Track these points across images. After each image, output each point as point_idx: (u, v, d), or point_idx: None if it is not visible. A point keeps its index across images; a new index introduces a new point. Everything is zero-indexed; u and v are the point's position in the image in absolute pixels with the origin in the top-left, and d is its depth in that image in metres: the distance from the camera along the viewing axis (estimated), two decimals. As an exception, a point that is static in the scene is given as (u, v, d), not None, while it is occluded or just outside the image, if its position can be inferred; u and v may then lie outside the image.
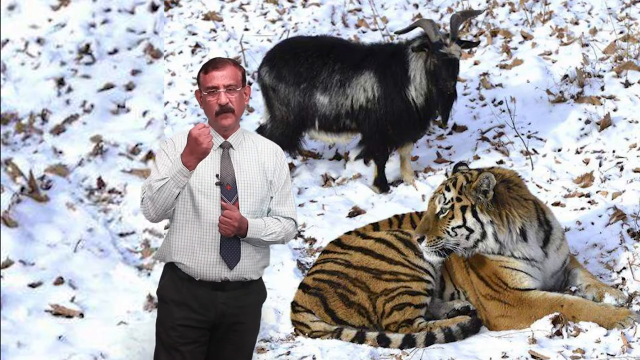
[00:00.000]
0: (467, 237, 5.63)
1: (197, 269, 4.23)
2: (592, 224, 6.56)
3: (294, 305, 5.92)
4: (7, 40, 9.41)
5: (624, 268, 6.01)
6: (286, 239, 4.39)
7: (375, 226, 6.21)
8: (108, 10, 9.99)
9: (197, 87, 4.36)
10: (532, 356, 5.23)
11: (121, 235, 7.00)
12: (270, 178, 4.33)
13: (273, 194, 4.35)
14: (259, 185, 4.29)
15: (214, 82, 4.24)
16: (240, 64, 9.71)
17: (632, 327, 5.32)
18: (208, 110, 4.27)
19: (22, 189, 7.18)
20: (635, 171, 7.04)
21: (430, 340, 5.51)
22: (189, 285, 4.24)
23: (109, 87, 8.95)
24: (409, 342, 5.52)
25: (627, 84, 8.01)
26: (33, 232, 6.82)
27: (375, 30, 10.07)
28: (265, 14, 10.64)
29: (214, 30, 10.41)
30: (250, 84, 9.40)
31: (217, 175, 4.24)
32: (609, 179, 7.04)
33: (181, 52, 9.93)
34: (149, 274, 6.54)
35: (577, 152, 7.53)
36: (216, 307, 4.24)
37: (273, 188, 4.34)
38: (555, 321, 5.43)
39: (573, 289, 5.80)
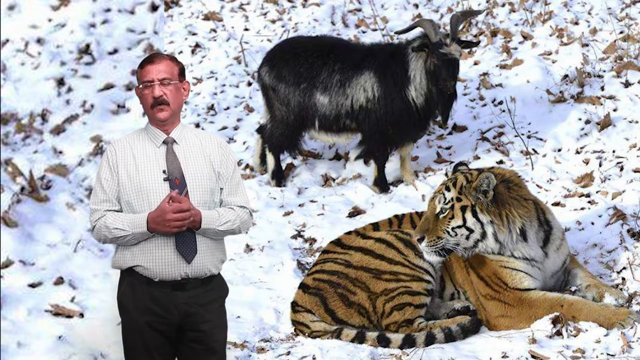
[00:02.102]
0: (467, 237, 5.63)
1: (155, 269, 4.21)
2: (592, 224, 6.56)
3: (294, 305, 5.92)
4: (7, 40, 9.41)
5: (624, 268, 6.01)
6: (242, 228, 4.36)
7: (375, 226, 6.20)
8: (108, 10, 10.00)
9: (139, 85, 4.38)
10: (532, 356, 5.23)
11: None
12: (218, 169, 4.34)
13: (223, 185, 4.35)
14: (206, 176, 4.29)
15: (148, 76, 4.26)
16: (240, 63, 9.73)
17: (632, 327, 5.32)
18: (144, 103, 4.30)
19: (22, 189, 7.18)
20: (635, 171, 7.04)
21: (430, 340, 5.51)
22: (149, 289, 4.23)
23: (109, 87, 8.96)
24: (409, 342, 5.52)
25: (627, 84, 8.01)
26: (33, 232, 6.82)
27: (375, 30, 10.07)
28: (265, 14, 10.64)
29: (214, 30, 10.42)
30: (250, 84, 9.41)
31: (164, 171, 4.25)
32: (609, 179, 7.04)
33: (181, 52, 9.93)
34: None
35: (577, 152, 7.52)
36: (178, 308, 4.23)
37: (222, 179, 4.35)
38: (555, 321, 5.43)
39: (573, 289, 5.80)
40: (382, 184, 7.73)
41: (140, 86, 4.29)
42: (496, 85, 8.61)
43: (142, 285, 4.23)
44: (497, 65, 8.88)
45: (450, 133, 8.28)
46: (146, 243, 4.22)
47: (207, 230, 4.23)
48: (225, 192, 4.36)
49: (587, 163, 7.34)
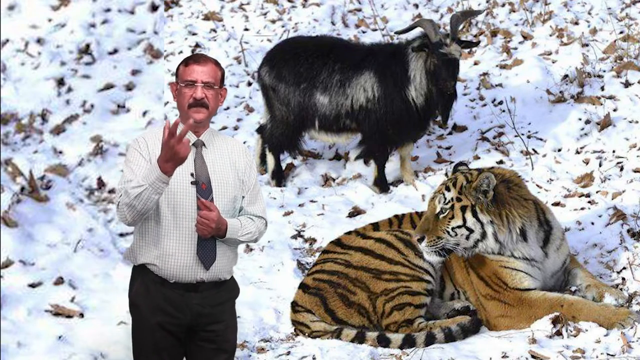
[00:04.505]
0: (467, 237, 5.63)
1: (172, 270, 4.20)
2: (592, 224, 6.56)
3: (294, 305, 5.92)
4: (7, 40, 9.41)
5: (624, 268, 6.01)
6: (259, 238, 4.38)
7: (375, 226, 6.20)
8: (108, 10, 9.99)
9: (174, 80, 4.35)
10: (532, 356, 5.23)
11: (121, 235, 7.00)
12: (242, 177, 4.33)
13: (245, 194, 4.35)
14: (231, 183, 4.29)
15: (193, 75, 4.23)
16: (240, 63, 9.73)
17: (632, 327, 5.32)
18: (182, 102, 4.25)
19: (22, 189, 7.18)
20: (635, 171, 7.04)
21: (430, 340, 5.51)
22: (162, 289, 4.21)
23: (109, 87, 8.95)
24: (409, 342, 5.52)
25: (627, 84, 8.01)
26: (33, 232, 6.81)
27: (375, 30, 10.07)
28: (265, 14, 10.65)
29: (214, 30, 10.42)
30: (250, 84, 9.41)
31: (192, 174, 4.22)
32: (609, 179, 7.04)
33: (181, 52, 9.93)
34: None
35: (577, 152, 7.53)
36: (191, 309, 4.23)
37: (245, 187, 4.34)
38: (555, 321, 5.43)
39: (573, 289, 5.80)
40: (382, 184, 7.73)
41: (182, 84, 4.25)
42: (496, 85, 8.61)
43: (156, 286, 4.22)
44: (497, 65, 8.88)
45: (450, 133, 8.29)
46: (167, 244, 4.18)
47: (229, 239, 4.24)
48: (245, 200, 4.35)
49: (587, 163, 7.34)
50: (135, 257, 4.27)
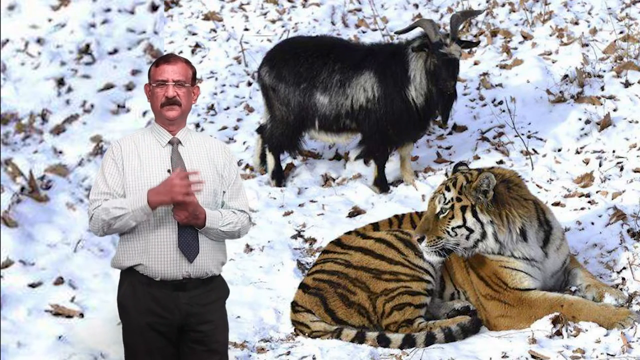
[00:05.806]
0: (467, 237, 5.63)
1: (156, 267, 4.21)
2: (592, 224, 6.56)
3: (294, 305, 5.92)
4: (7, 40, 9.42)
5: (624, 268, 6.01)
6: (242, 232, 4.38)
7: (375, 226, 6.20)
8: (108, 10, 10.00)
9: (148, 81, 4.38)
10: (532, 356, 5.23)
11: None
12: (221, 172, 4.36)
13: (225, 189, 4.37)
14: (210, 177, 4.31)
15: (164, 75, 4.27)
16: (240, 63, 9.74)
17: (632, 327, 5.32)
18: (154, 102, 4.30)
19: (22, 189, 7.18)
20: (635, 171, 7.04)
21: (430, 340, 5.51)
22: (150, 289, 4.22)
23: (109, 87, 8.96)
24: (409, 342, 5.52)
25: (627, 84, 8.01)
26: (33, 232, 6.82)
27: (375, 30, 10.07)
28: (265, 14, 10.65)
29: (214, 30, 10.42)
30: (250, 84, 9.41)
31: (168, 171, 4.25)
32: (609, 179, 7.04)
33: (181, 52, 9.93)
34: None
35: (577, 152, 7.53)
36: (180, 308, 4.23)
37: (225, 182, 4.37)
38: (555, 321, 5.43)
39: (573, 289, 5.80)
40: (382, 184, 7.73)
41: (153, 84, 4.29)
42: (496, 85, 8.61)
43: (143, 286, 4.23)
44: (497, 65, 8.88)
45: (450, 133, 8.28)
46: (148, 242, 4.21)
47: (210, 230, 4.24)
48: (227, 195, 4.38)
49: (587, 163, 7.34)
50: (120, 261, 4.29)
